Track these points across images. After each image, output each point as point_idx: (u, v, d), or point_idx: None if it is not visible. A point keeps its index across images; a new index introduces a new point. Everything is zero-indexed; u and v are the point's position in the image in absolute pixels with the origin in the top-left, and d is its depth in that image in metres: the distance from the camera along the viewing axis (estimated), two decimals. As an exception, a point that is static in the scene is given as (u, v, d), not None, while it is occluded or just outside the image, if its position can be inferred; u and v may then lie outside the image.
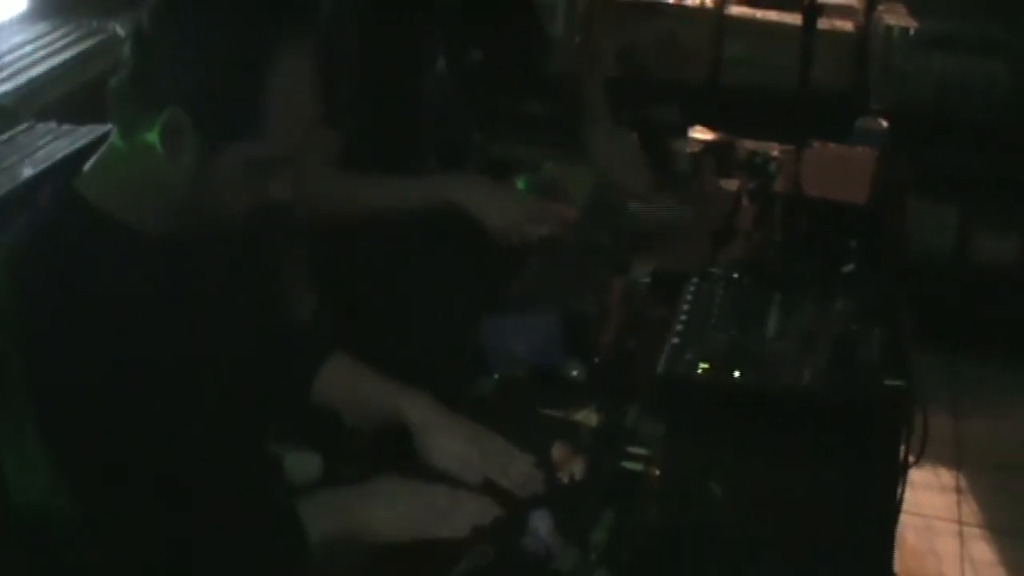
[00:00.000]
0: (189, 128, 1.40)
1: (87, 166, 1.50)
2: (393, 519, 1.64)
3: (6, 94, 2.76)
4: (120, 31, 1.42)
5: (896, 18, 3.96)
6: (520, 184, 2.70)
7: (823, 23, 3.58)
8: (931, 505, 3.37)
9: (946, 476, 3.49)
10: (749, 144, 2.78)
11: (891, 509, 1.81)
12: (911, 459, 1.84)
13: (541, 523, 1.63)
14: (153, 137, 1.40)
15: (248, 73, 1.40)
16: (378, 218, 2.24)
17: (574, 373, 2.00)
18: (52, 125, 2.66)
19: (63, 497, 1.38)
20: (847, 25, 4.02)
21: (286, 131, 1.45)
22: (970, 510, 3.38)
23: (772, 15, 4.06)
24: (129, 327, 1.41)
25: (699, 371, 1.88)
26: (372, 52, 2.15)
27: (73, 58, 2.97)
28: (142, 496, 1.43)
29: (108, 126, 1.50)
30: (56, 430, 1.36)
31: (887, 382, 1.84)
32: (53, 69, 2.91)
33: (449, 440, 1.78)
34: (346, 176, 2.22)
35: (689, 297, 2.07)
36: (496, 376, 2.00)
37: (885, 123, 2.80)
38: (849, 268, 2.20)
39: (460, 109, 2.44)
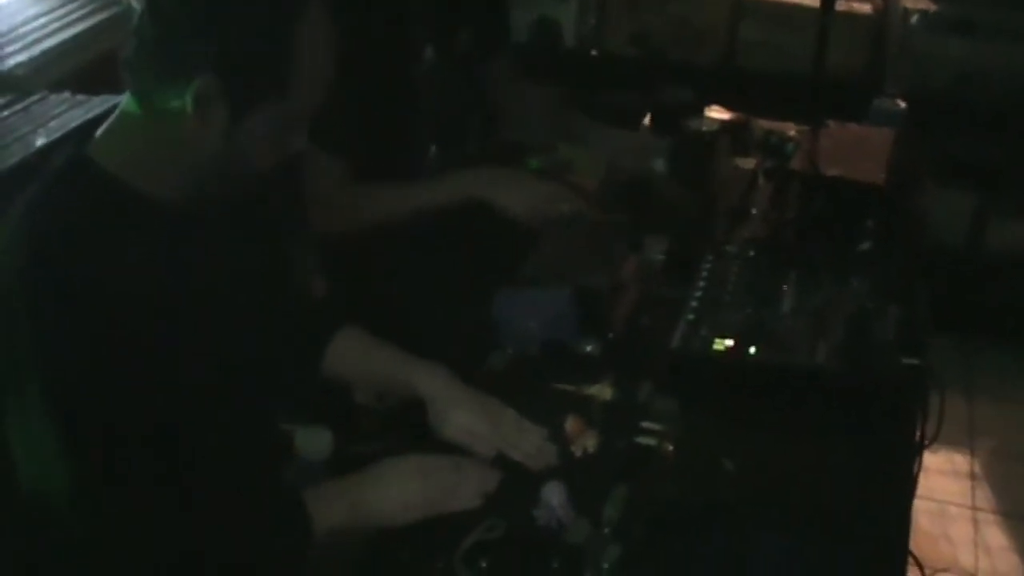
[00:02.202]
0: (221, 94, 1.39)
1: (98, 133, 1.48)
2: (403, 503, 1.62)
3: (20, 64, 2.76)
4: (134, 3, 1.40)
5: (914, 1, 3.94)
6: (533, 166, 2.69)
7: (841, 5, 3.58)
8: (945, 490, 3.36)
9: (960, 461, 3.48)
10: (766, 124, 2.76)
11: (906, 488, 1.80)
12: (926, 440, 1.83)
13: (553, 495, 1.62)
14: (178, 104, 1.38)
15: (276, 34, 1.38)
16: (403, 223, 2.24)
17: (588, 348, 1.99)
18: (65, 95, 2.67)
19: (72, 474, 1.36)
20: (865, 7, 3.99)
21: (312, 88, 1.45)
22: (984, 496, 3.37)
23: (790, -3, 4.04)
24: (140, 295, 1.40)
25: (713, 347, 1.87)
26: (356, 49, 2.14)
27: (87, 30, 2.98)
28: (150, 476, 1.41)
29: (121, 97, 1.48)
30: (64, 401, 1.34)
31: (903, 360, 1.83)
32: (66, 41, 2.91)
33: (462, 413, 1.77)
34: (366, 190, 2.24)
35: (704, 274, 2.06)
36: (510, 351, 2.00)
37: (903, 103, 2.77)
38: (865, 247, 2.18)
39: (464, 96, 2.43)
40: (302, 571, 1.57)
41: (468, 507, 1.64)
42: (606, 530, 1.59)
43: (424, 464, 1.68)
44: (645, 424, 1.80)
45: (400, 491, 1.63)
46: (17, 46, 2.84)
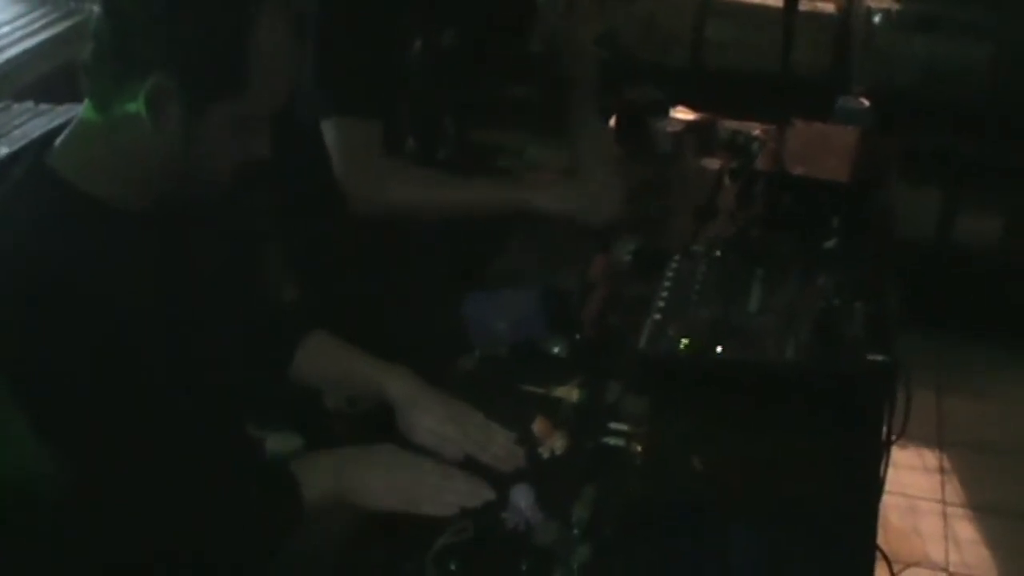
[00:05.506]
0: (174, 94, 1.38)
1: (58, 142, 1.48)
2: (385, 487, 1.62)
3: (-18, 74, 2.76)
4: (96, 9, 1.40)
5: (877, 0, 3.96)
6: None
7: (804, 5, 3.60)
8: (915, 485, 3.37)
9: (929, 457, 3.49)
10: (732, 124, 2.77)
11: (874, 483, 1.81)
12: (894, 435, 1.83)
13: (522, 498, 1.62)
14: (134, 107, 1.38)
15: (231, 33, 1.38)
16: (451, 215, 2.25)
17: (556, 349, 1.99)
18: (29, 105, 2.66)
19: (44, 478, 1.36)
20: (828, 7, 4.02)
21: (270, 89, 1.44)
22: (953, 490, 3.39)
23: (755, -3, 4.06)
24: (101, 302, 1.40)
25: (681, 347, 1.87)
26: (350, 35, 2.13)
27: (50, 39, 2.96)
28: (125, 476, 1.41)
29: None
30: (33, 408, 1.35)
31: (869, 356, 1.83)
32: (30, 50, 2.90)
33: (430, 417, 1.77)
34: (416, 170, 2.23)
35: (671, 274, 2.06)
36: (478, 352, 1.99)
37: (867, 102, 2.79)
38: (831, 244, 2.19)
39: (442, 92, 2.42)
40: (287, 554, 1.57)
41: (442, 513, 1.62)
42: (575, 531, 1.59)
43: (414, 460, 1.69)
44: (613, 424, 1.80)
45: (388, 474, 1.64)
46: (-20, 55, 2.84)
